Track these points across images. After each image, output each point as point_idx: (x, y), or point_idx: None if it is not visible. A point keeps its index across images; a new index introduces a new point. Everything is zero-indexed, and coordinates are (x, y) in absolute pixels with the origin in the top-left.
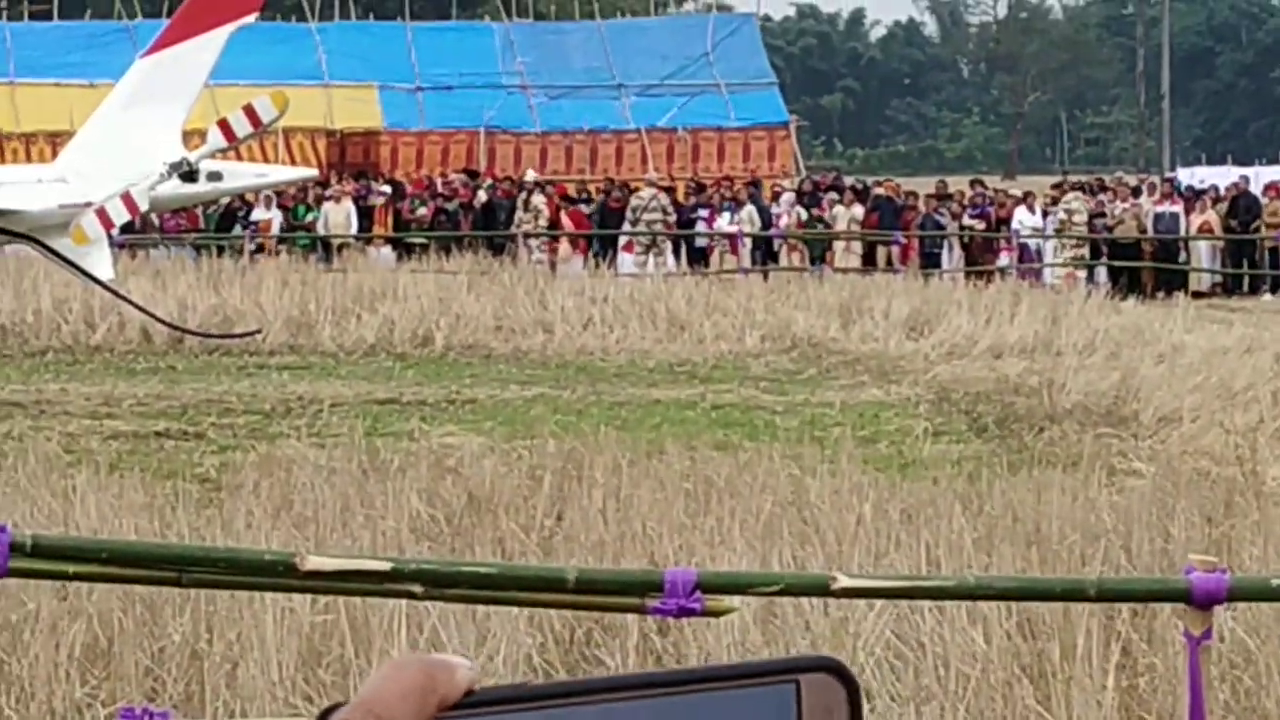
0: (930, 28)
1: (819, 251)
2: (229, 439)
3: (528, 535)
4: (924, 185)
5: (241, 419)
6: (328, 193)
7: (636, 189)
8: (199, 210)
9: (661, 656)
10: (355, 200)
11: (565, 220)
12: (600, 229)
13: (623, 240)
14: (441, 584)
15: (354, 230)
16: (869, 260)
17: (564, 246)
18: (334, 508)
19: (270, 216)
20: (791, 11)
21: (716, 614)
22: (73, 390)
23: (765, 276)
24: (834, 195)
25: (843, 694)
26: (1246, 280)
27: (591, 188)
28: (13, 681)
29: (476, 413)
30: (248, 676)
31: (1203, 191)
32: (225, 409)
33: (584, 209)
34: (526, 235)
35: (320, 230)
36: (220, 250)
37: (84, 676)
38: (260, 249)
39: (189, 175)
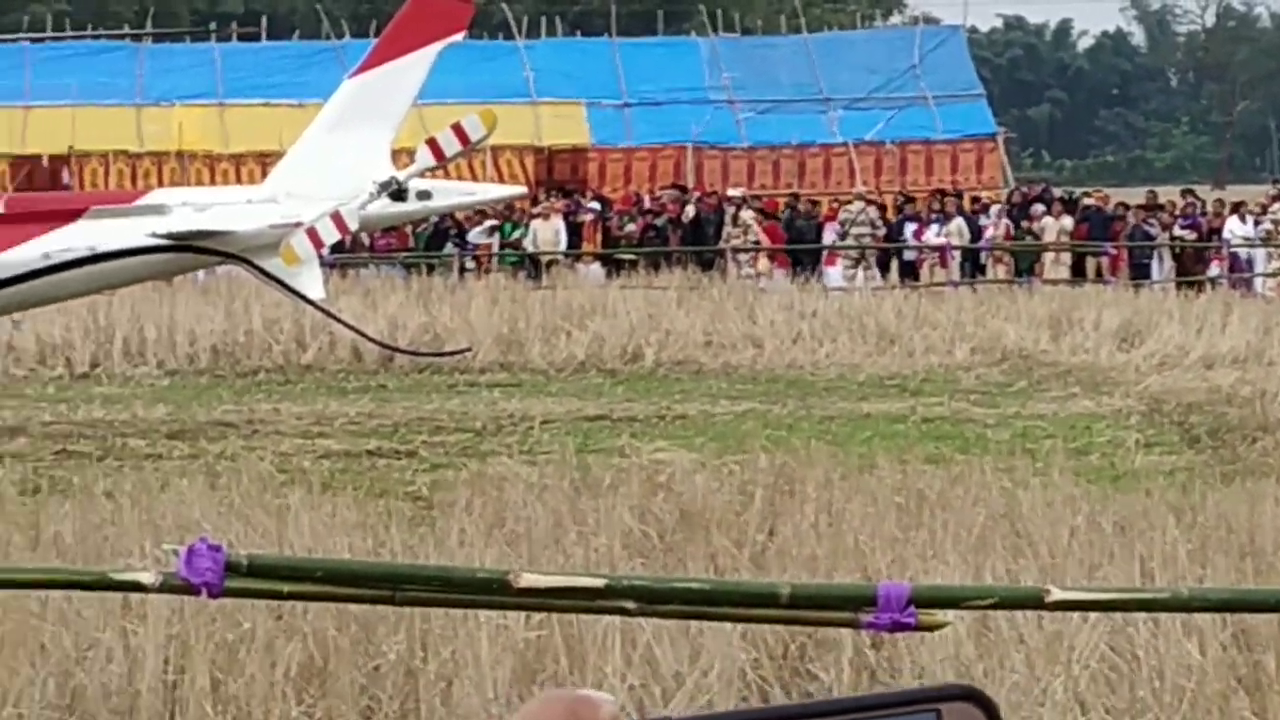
0: (1138, 37)
1: (1028, 263)
2: (441, 457)
3: (740, 550)
4: (1133, 196)
5: (453, 437)
6: (536, 210)
7: (847, 202)
8: (409, 229)
9: (875, 671)
10: (565, 217)
11: (762, 235)
12: (793, 243)
13: (825, 253)
14: (655, 600)
15: (563, 247)
16: (1078, 271)
17: (763, 261)
18: (546, 524)
19: (491, 241)
20: (998, 23)
21: (930, 628)
22: (285, 410)
23: (974, 289)
24: (1042, 206)
25: None
26: None
27: (801, 202)
28: (229, 701)
29: (687, 428)
30: (463, 694)
31: None
32: (436, 427)
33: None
34: (735, 250)
35: (529, 247)
36: (430, 269)
37: (299, 695)
38: (479, 265)
39: (398, 194)
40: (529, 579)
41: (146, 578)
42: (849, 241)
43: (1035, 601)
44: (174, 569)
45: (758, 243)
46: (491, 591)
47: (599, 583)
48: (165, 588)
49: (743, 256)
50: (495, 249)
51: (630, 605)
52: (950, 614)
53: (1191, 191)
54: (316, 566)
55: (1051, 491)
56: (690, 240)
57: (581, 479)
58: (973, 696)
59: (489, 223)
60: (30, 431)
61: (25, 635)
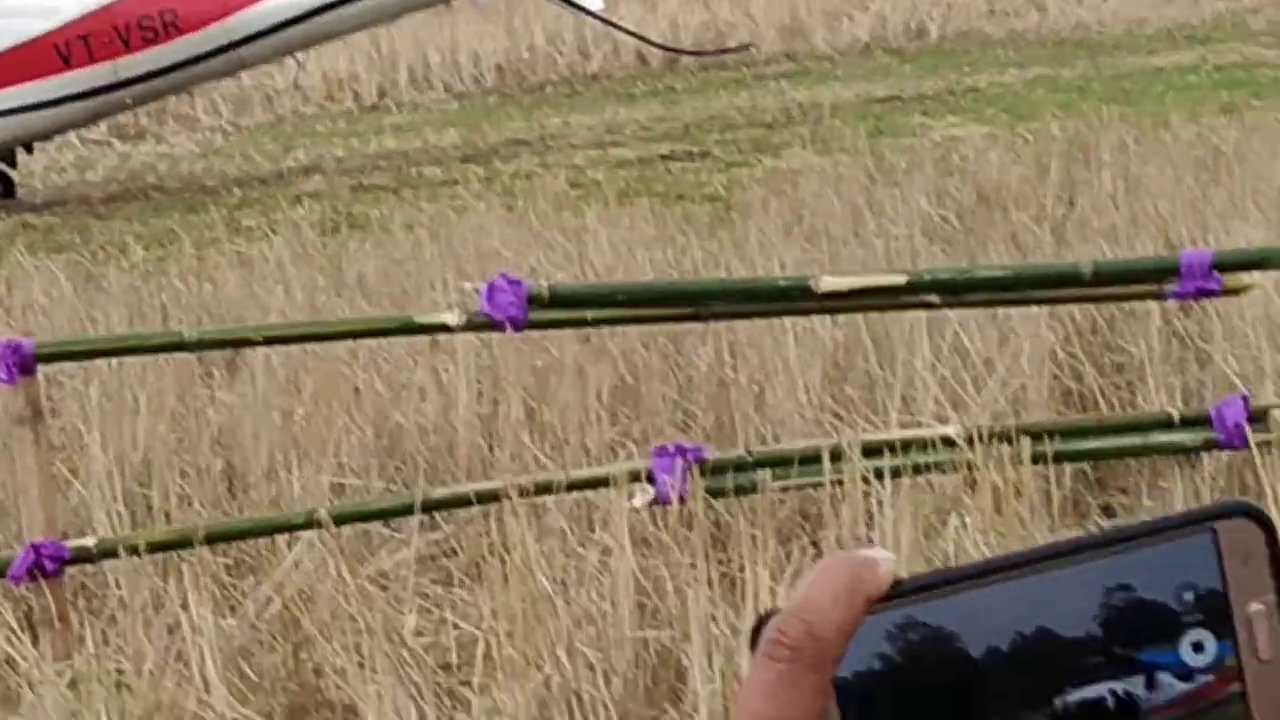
0: None
1: None
2: (734, 155)
3: (1039, 227)
4: None
5: (744, 133)
6: None
7: None
8: None
9: (1185, 339)
10: None
11: None
12: None
13: None
14: (957, 291)
15: None
16: None
17: None
18: (844, 218)
19: None
20: None
21: (1237, 291)
22: (574, 122)
23: None
24: None
25: (1260, 537)
26: None
27: None
28: (545, 428)
29: (977, 101)
30: (775, 400)
31: None
32: (727, 124)
33: None
34: None
35: None
36: None
37: (614, 416)
38: None
39: None
40: (830, 283)
41: (451, 318)
42: None
43: None
44: (477, 307)
45: None
46: (794, 299)
47: (900, 279)
48: (470, 326)
49: None
50: None
51: (934, 299)
52: (1257, 275)
53: None
54: (617, 290)
55: None
56: None
57: (876, 166)
58: (1248, 513)
59: None
60: (325, 169)
61: (338, 383)
